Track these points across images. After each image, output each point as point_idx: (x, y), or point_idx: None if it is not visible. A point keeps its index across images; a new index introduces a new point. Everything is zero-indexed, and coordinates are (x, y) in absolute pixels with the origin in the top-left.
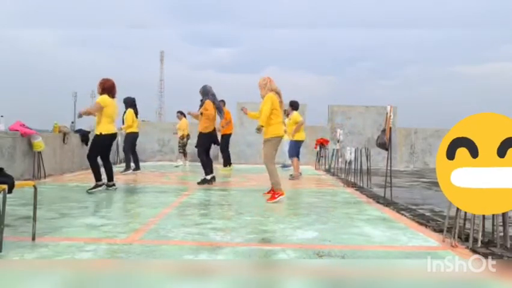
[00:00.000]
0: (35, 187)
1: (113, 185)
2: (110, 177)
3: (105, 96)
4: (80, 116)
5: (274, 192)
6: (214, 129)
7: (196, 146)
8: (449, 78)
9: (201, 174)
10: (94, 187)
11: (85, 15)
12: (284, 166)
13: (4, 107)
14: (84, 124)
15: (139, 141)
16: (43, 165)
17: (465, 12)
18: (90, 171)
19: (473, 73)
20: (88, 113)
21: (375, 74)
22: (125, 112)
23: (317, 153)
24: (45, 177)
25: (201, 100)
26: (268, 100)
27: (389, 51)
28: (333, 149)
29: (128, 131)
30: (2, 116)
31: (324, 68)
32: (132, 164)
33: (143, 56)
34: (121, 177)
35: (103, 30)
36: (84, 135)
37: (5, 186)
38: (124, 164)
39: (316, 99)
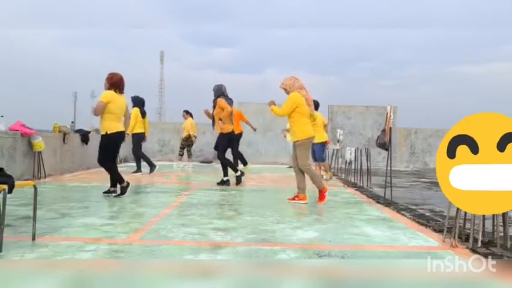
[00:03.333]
0: (35, 187)
1: (114, 191)
2: (113, 181)
3: (108, 92)
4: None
5: (321, 192)
6: (233, 130)
7: (215, 148)
8: (449, 78)
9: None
10: (122, 192)
11: (85, 15)
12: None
13: (4, 107)
14: (84, 124)
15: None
16: (43, 165)
17: (465, 12)
18: (90, 171)
19: (473, 73)
20: (95, 115)
21: (375, 74)
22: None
23: None
24: (45, 177)
25: (214, 100)
26: (291, 100)
27: (389, 51)
28: (333, 149)
29: (133, 131)
30: (2, 116)
31: (324, 68)
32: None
33: (143, 56)
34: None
35: (103, 30)
36: (84, 135)
37: (5, 186)
38: (125, 164)
39: (317, 99)
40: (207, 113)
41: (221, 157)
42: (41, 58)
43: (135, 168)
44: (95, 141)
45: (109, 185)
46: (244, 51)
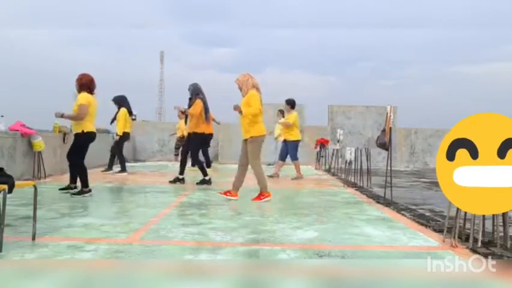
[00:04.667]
0: (35, 187)
1: (75, 187)
2: (74, 179)
3: (85, 94)
4: (60, 116)
5: (261, 193)
6: (205, 131)
7: (188, 148)
8: (449, 78)
9: (201, 175)
10: (81, 192)
11: (85, 15)
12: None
13: (4, 107)
14: None
15: (139, 141)
16: (43, 165)
17: (465, 12)
18: (90, 171)
19: (473, 73)
20: (79, 119)
21: (375, 74)
22: (117, 112)
23: (317, 153)
24: (45, 177)
25: (190, 99)
26: (255, 97)
27: (389, 51)
28: (333, 149)
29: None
30: (2, 116)
31: (324, 68)
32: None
33: (143, 56)
34: (119, 176)
35: (103, 30)
36: None
37: (5, 186)
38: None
39: (316, 99)
40: (177, 109)
41: (197, 158)
42: (41, 58)
43: (120, 168)
44: (95, 141)
45: (109, 185)
46: (244, 51)
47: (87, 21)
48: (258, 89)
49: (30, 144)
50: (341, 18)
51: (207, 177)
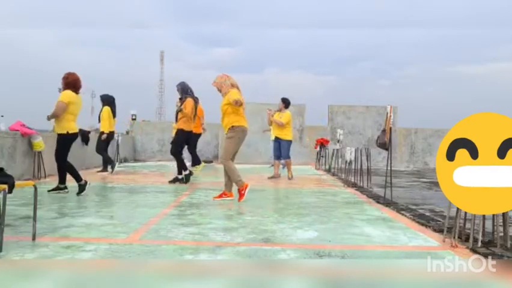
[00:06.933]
0: (35, 187)
1: (65, 188)
2: (63, 179)
3: (68, 92)
4: (48, 119)
5: (239, 191)
6: (191, 130)
7: (171, 142)
8: (449, 78)
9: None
10: (80, 190)
11: (85, 15)
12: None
13: (4, 107)
14: (84, 123)
15: (139, 141)
16: (43, 165)
17: (466, 12)
18: (90, 171)
19: (473, 73)
20: (55, 116)
21: (375, 74)
22: (101, 110)
23: (317, 153)
24: (45, 177)
25: (180, 98)
26: (237, 92)
27: (389, 51)
28: (333, 149)
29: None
30: (2, 116)
31: (324, 68)
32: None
33: (143, 56)
34: (120, 177)
35: (103, 30)
36: (84, 135)
37: (5, 186)
38: (125, 163)
39: (316, 99)
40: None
41: (176, 153)
42: (41, 58)
43: (102, 167)
44: (94, 141)
45: (109, 185)
46: (244, 51)
47: (87, 21)
48: (238, 88)
49: (30, 144)
50: (341, 18)
51: (180, 176)
